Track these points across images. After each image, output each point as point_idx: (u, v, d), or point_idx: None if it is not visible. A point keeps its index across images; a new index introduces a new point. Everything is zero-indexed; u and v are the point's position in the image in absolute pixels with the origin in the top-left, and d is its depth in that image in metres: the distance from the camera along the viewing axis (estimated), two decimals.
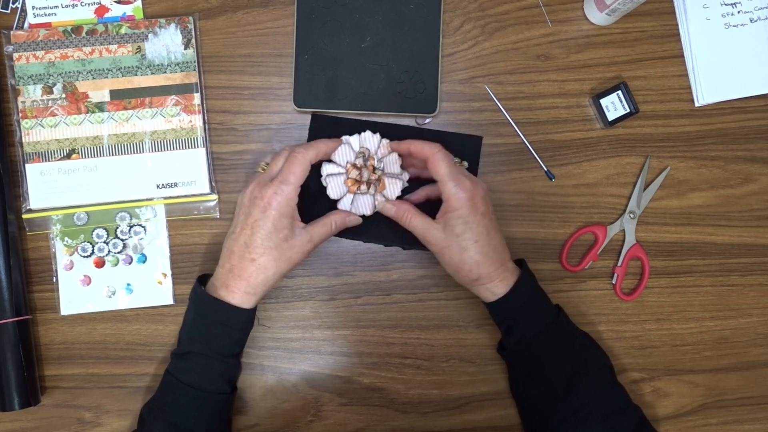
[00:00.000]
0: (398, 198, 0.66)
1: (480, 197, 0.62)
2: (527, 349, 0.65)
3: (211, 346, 0.62)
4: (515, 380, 0.70)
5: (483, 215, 0.62)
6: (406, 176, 0.67)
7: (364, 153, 0.65)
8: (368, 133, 0.66)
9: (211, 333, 0.62)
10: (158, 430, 0.62)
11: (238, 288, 0.61)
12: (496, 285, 0.63)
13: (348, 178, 0.64)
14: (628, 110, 0.70)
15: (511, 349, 0.67)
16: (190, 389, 0.62)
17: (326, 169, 0.65)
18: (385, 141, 0.66)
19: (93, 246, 0.70)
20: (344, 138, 0.66)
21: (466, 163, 0.69)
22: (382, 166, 0.66)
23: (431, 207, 0.65)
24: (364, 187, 0.65)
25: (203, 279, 0.65)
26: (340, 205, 0.66)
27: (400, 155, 0.66)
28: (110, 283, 0.70)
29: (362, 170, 0.65)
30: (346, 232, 0.67)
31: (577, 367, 0.63)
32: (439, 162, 0.62)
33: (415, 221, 0.64)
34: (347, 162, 0.65)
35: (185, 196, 0.70)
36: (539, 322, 0.64)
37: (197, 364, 0.62)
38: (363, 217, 0.66)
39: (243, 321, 0.63)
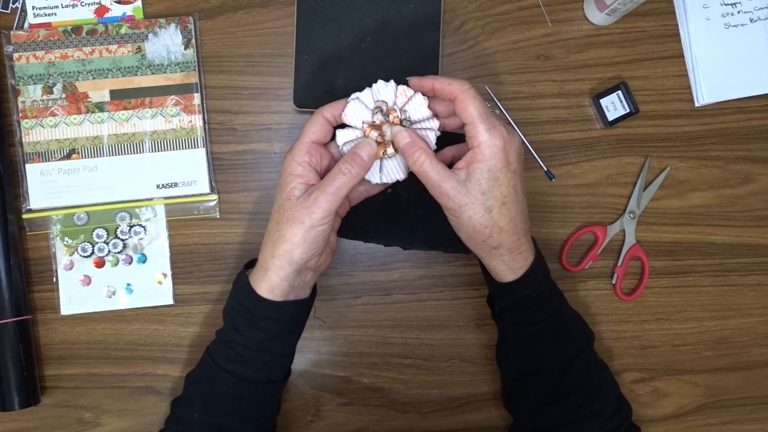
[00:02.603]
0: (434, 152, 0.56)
1: (514, 150, 0.54)
2: (527, 332, 0.60)
3: (249, 339, 0.58)
4: (504, 350, 0.65)
5: (514, 173, 0.54)
6: (436, 123, 0.57)
7: (381, 107, 0.56)
8: (380, 82, 0.56)
9: (251, 326, 0.57)
10: (197, 411, 0.59)
11: (259, 275, 0.57)
12: (515, 259, 0.56)
13: None
14: (628, 110, 0.70)
15: (507, 322, 0.62)
16: (228, 375, 0.58)
17: (341, 136, 0.57)
18: (402, 87, 0.56)
19: (93, 246, 0.70)
20: (353, 95, 0.57)
21: (498, 111, 0.60)
22: (407, 115, 0.56)
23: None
24: (390, 150, 0.56)
25: (251, 263, 0.60)
26: (367, 176, 0.57)
27: (425, 95, 0.56)
28: (110, 283, 0.70)
29: (383, 128, 0.55)
30: (346, 232, 0.67)
31: (573, 354, 0.60)
32: (470, 100, 0.53)
33: (428, 165, 0.53)
34: (363, 122, 0.56)
35: (185, 196, 0.70)
36: (547, 308, 0.59)
37: (237, 354, 0.58)
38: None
39: (274, 314, 0.57)
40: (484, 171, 0.53)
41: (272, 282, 0.56)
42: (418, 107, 0.56)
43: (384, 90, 0.56)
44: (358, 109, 0.56)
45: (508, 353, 0.65)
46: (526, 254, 0.57)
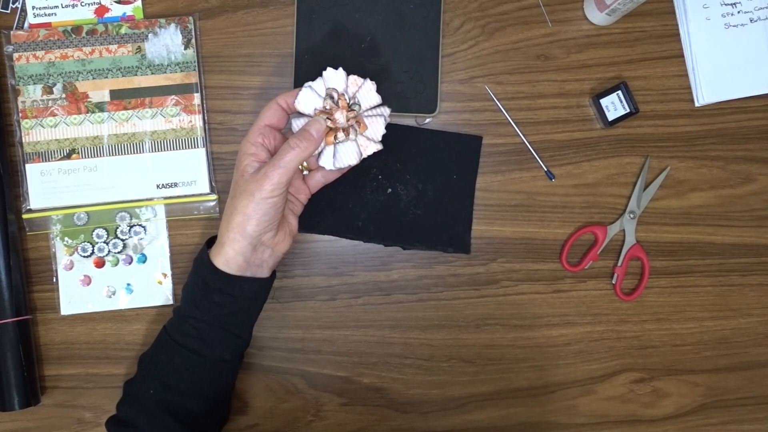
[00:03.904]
0: (384, 135, 0.59)
1: None
2: None
3: (205, 313, 0.59)
4: None
5: None
6: (387, 110, 0.60)
7: (331, 95, 0.58)
8: (330, 70, 0.59)
9: (207, 300, 0.59)
10: (151, 387, 0.60)
11: (216, 250, 0.59)
12: None
13: None
14: (628, 110, 0.70)
15: None
16: (185, 351, 0.60)
17: (296, 124, 0.60)
18: (353, 76, 0.59)
19: (93, 246, 0.70)
20: (306, 83, 0.59)
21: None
22: (357, 100, 0.59)
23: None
24: (341, 135, 0.58)
25: (213, 241, 0.62)
26: (321, 162, 0.60)
27: (373, 81, 0.59)
28: (110, 283, 0.70)
29: (334, 114, 0.58)
30: (346, 232, 0.67)
31: None
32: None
33: None
34: (315, 109, 0.59)
35: (185, 196, 0.70)
36: None
37: (194, 329, 0.59)
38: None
39: (229, 288, 0.59)
40: None
41: (228, 255, 0.58)
42: (367, 94, 0.59)
43: (333, 77, 0.59)
44: (309, 97, 0.59)
45: None
46: None
